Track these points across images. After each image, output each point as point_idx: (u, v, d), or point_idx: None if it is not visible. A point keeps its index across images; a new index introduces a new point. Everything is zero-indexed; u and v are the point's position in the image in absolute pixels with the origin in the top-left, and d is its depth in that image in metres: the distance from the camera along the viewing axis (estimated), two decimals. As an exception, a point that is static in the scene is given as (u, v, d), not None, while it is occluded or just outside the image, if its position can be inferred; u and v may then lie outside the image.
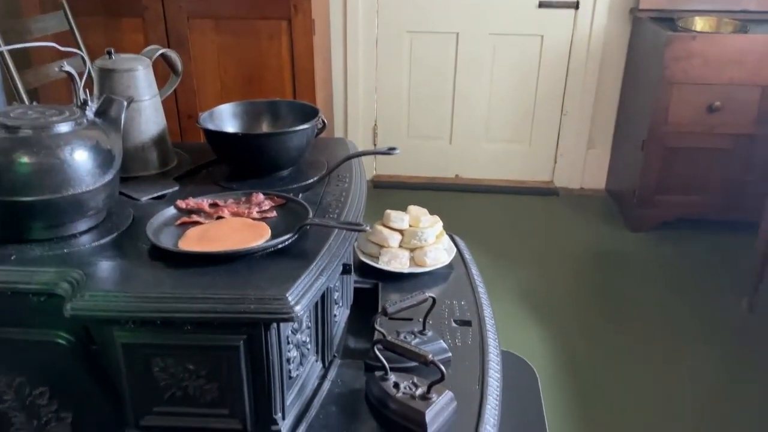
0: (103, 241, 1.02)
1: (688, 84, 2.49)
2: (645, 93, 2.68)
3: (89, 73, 1.17)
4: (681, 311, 2.21)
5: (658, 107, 2.54)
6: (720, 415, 1.74)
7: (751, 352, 2.02)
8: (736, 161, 2.59)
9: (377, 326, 1.11)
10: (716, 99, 2.49)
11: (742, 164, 2.59)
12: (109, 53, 1.26)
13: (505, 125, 3.20)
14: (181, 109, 2.58)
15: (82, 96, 1.07)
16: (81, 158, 0.98)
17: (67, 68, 1.05)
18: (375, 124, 3.26)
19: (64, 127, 0.99)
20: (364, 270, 1.45)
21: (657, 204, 2.72)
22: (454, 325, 1.29)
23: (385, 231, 1.47)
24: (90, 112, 1.06)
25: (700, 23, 2.69)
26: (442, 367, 1.00)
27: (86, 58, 1.17)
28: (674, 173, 2.65)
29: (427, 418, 0.99)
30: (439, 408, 1.01)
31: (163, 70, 1.40)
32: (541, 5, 2.96)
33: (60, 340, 0.96)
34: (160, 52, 1.34)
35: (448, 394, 1.04)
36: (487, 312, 1.35)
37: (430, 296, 1.18)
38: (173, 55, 1.39)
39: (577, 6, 2.93)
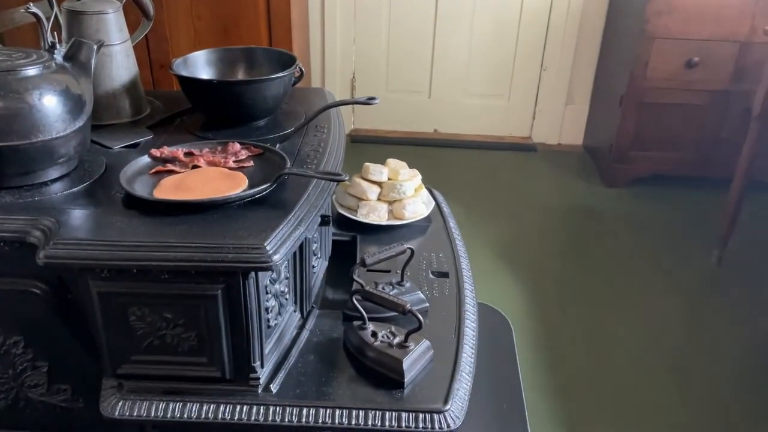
0: (75, 190, 1.00)
1: (669, 39, 2.48)
2: (625, 48, 2.67)
3: (57, 17, 1.12)
4: (653, 264, 2.26)
5: (638, 62, 2.53)
6: (687, 362, 1.80)
7: (718, 304, 2.08)
8: (711, 118, 2.61)
9: (355, 277, 1.12)
10: (695, 54, 2.49)
11: (717, 121, 2.61)
12: (77, -5, 1.21)
13: (485, 80, 3.18)
14: (153, 58, 2.50)
15: (49, 39, 1.03)
16: (50, 103, 0.96)
17: (34, 9, 1.01)
18: (353, 77, 3.21)
19: (31, 71, 0.96)
20: (343, 223, 1.45)
21: (632, 160, 2.74)
22: (431, 276, 1.30)
23: (364, 183, 1.46)
24: (58, 56, 1.03)
25: (681, -23, 2.66)
26: (420, 316, 1.01)
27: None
28: (651, 129, 2.67)
29: (405, 366, 1.00)
30: (417, 356, 1.03)
31: (133, 17, 1.35)
32: (523, -44, 2.90)
33: (34, 290, 0.95)
34: (131, -6, 1.29)
35: (425, 343, 1.05)
36: (464, 264, 1.36)
37: (408, 248, 1.18)
38: (144, -2, 1.34)
39: (559, -43, 2.89)
